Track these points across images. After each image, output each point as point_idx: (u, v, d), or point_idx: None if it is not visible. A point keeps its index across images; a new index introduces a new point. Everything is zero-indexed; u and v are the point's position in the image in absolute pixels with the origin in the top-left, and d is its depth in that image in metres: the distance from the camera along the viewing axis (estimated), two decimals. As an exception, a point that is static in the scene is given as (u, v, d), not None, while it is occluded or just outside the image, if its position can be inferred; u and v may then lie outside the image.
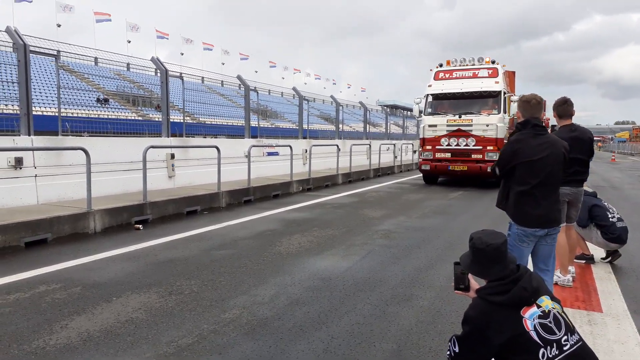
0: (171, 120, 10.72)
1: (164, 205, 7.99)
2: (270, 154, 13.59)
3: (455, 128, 13.37)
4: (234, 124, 17.95)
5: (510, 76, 15.98)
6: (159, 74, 10.63)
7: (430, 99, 14.17)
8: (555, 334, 2.10)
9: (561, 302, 2.36)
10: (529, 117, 3.41)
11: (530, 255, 3.52)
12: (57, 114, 8.79)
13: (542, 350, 2.06)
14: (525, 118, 3.43)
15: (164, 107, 10.46)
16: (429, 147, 13.81)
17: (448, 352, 2.33)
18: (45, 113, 20.73)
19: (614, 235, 5.29)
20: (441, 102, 14.09)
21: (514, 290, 2.18)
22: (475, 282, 2.46)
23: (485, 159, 12.96)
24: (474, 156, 13.13)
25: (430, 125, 13.83)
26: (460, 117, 13.33)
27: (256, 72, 60.48)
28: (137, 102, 22.94)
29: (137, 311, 3.82)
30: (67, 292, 4.25)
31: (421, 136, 14.15)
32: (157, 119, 12.85)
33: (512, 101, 13.42)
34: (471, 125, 13.16)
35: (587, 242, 5.54)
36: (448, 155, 13.52)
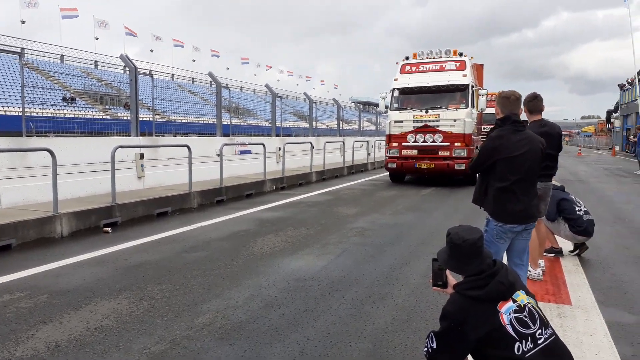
0: (140, 119, 10.49)
1: (133, 207, 7.82)
2: (243, 152, 13.47)
3: (421, 124, 12.81)
4: (206, 122, 17.73)
5: (479, 69, 15.56)
6: (127, 72, 10.40)
7: (396, 93, 13.61)
8: (530, 327, 2.14)
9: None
10: (508, 113, 3.44)
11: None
12: (20, 114, 8.49)
13: (517, 344, 2.09)
14: (504, 114, 3.46)
15: (133, 106, 10.23)
16: (395, 144, 13.21)
17: (425, 349, 2.33)
18: (9, 113, 20.06)
19: (581, 228, 5.43)
20: (408, 96, 13.57)
21: (490, 284, 2.21)
22: (452, 278, 2.47)
23: (453, 155, 12.43)
24: (441, 153, 12.57)
25: (396, 121, 13.23)
26: (427, 112, 12.76)
27: (228, 69, 59.93)
28: (105, 100, 22.41)
29: (107, 318, 3.72)
30: (33, 300, 4.10)
31: (387, 133, 13.58)
32: (125, 118, 12.56)
33: (480, 95, 12.99)
34: (438, 121, 12.61)
35: (555, 236, 5.66)
36: (415, 152, 12.93)
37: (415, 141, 12.90)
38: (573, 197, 5.69)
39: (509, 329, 2.12)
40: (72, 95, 22.28)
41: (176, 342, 3.31)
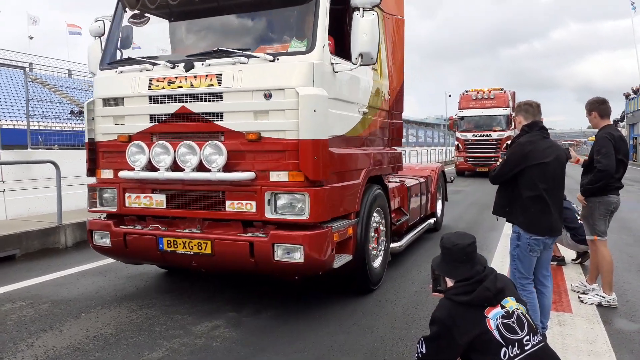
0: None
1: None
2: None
3: (174, 108, 4.00)
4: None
5: None
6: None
7: (123, 21, 4.67)
8: (518, 333, 2.15)
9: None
10: (533, 119, 3.38)
11: None
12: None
13: (504, 349, 2.11)
14: (529, 121, 3.39)
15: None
16: (105, 175, 4.68)
17: (416, 355, 2.35)
18: (17, 127, 20.31)
19: (583, 237, 5.36)
20: (139, 29, 4.83)
21: (477, 290, 2.23)
22: (451, 284, 2.48)
23: (268, 217, 3.73)
24: (231, 205, 3.86)
25: (107, 102, 4.39)
26: (188, 69, 3.97)
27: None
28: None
29: (107, 326, 3.74)
30: (35, 309, 4.14)
31: (87, 137, 4.78)
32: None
33: (364, 19, 3.79)
34: (220, 97, 3.86)
35: (557, 244, 5.63)
36: (159, 199, 4.18)
37: (151, 165, 4.11)
38: (574, 206, 5.64)
39: (495, 334, 2.13)
40: (80, 108, 22.57)
41: (174, 349, 3.33)
